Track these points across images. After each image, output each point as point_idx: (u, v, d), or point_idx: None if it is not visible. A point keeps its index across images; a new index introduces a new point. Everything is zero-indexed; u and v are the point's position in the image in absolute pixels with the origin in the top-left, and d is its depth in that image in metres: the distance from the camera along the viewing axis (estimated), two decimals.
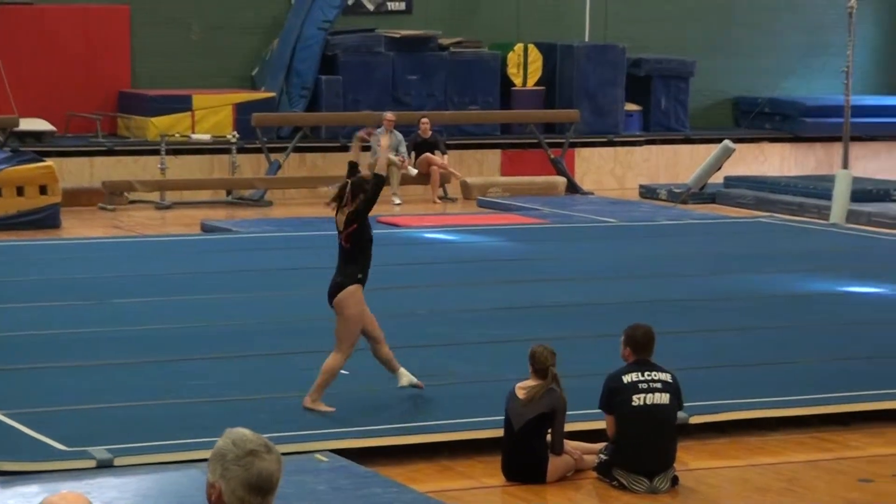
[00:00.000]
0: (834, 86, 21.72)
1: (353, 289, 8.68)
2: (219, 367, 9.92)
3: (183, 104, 20.37)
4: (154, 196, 19.07)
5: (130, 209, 18.75)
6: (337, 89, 21.05)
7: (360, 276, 8.73)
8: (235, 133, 19.93)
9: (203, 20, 21.53)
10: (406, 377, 8.95)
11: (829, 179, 18.70)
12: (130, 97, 20.87)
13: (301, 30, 21.15)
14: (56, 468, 7.67)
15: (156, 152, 19.45)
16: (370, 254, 8.81)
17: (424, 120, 19.81)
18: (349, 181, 8.81)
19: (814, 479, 8.01)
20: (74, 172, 19.25)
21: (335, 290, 8.74)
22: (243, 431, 3.36)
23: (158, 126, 19.98)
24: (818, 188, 19.28)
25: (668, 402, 7.81)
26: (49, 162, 17.60)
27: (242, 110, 20.29)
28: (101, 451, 7.84)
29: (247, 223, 17.17)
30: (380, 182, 8.80)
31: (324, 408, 8.72)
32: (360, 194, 8.67)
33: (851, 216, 17.82)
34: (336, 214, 8.85)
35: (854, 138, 20.64)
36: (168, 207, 18.84)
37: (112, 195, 18.73)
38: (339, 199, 8.72)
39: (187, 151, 20.04)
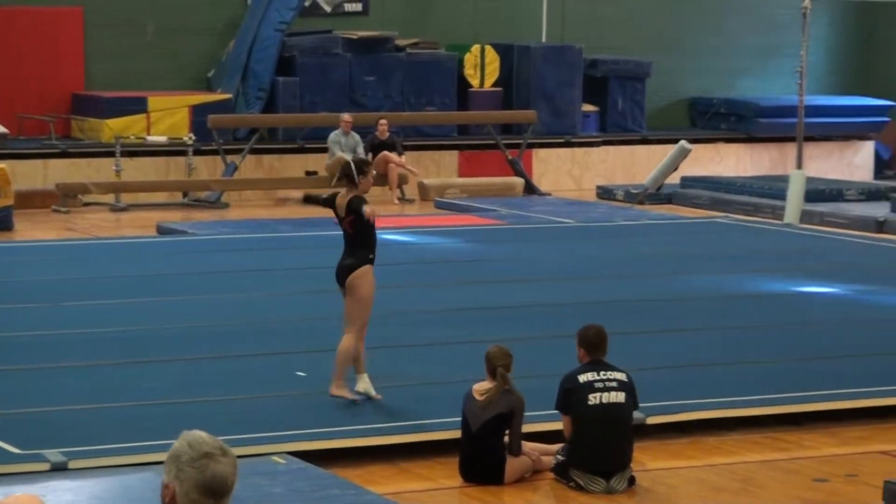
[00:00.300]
0: (789, 86, 21.87)
1: (366, 269, 8.84)
2: (174, 369, 9.87)
3: (138, 106, 20.26)
4: (109, 198, 18.96)
5: (85, 211, 18.63)
6: (294, 91, 21.00)
7: (370, 256, 8.91)
8: (191, 135, 19.85)
9: (158, 22, 21.42)
10: (365, 384, 8.93)
11: (784, 180, 18.83)
12: (84, 99, 20.74)
13: (257, 31, 21.08)
14: (10, 471, 7.60)
15: (110, 154, 19.34)
16: (375, 234, 8.95)
17: (383, 121, 19.79)
18: (350, 161, 8.98)
19: (769, 478, 8.05)
20: (27, 175, 19.10)
21: (347, 270, 8.84)
22: (199, 434, 3.34)
23: (113, 128, 19.87)
24: (773, 188, 19.41)
25: (623, 400, 7.83)
26: (2, 164, 17.45)
27: (198, 112, 20.20)
28: (55, 454, 7.78)
29: (203, 225, 17.10)
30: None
31: (349, 395, 8.75)
32: (360, 176, 8.80)
33: (805, 216, 17.95)
34: (336, 200, 8.92)
35: (808, 138, 20.78)
36: (123, 209, 18.74)
37: (66, 197, 18.60)
38: (346, 178, 8.79)
39: (142, 153, 19.95)
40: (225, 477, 3.28)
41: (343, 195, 8.87)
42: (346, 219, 8.85)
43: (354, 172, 8.79)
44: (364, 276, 8.82)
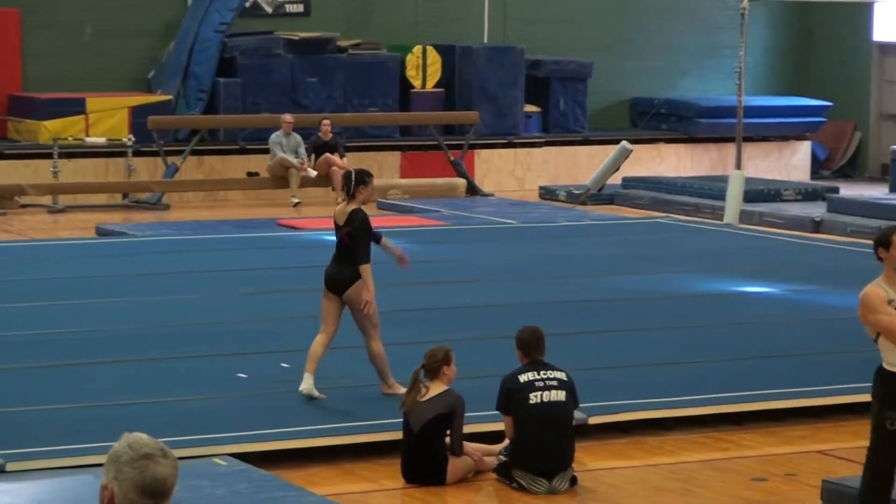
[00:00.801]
0: (728, 86, 22.04)
1: (361, 283, 8.89)
2: (114, 371, 9.80)
3: (76, 107, 20.08)
4: (46, 200, 18.79)
5: (22, 213, 18.45)
6: (235, 92, 20.91)
7: None
8: (131, 136, 19.71)
9: (97, 23, 21.24)
10: (308, 385, 8.91)
11: (724, 180, 18.98)
12: (21, 100, 20.53)
13: (197, 32, 20.96)
14: None
15: (48, 156, 19.16)
16: (369, 247, 8.97)
17: (326, 121, 19.75)
18: (352, 170, 9.12)
19: (709, 478, 8.10)
20: None
21: (345, 283, 8.89)
22: (140, 435, 3.32)
23: (51, 129, 19.68)
24: (713, 188, 19.56)
25: (564, 399, 7.85)
26: None
27: (138, 113, 20.06)
28: None
29: (143, 227, 16.98)
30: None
31: (400, 389, 8.75)
32: (360, 185, 8.87)
33: (744, 216, 18.10)
34: (336, 207, 9.06)
35: (747, 139, 20.96)
36: (61, 211, 18.57)
37: (2, 199, 18.41)
38: (345, 188, 8.97)
39: (81, 155, 19.78)
40: (165, 478, 3.26)
41: (344, 205, 8.90)
42: (343, 228, 8.89)
43: (353, 183, 8.84)
44: (362, 291, 8.88)
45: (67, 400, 8.96)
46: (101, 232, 16.63)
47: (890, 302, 6.47)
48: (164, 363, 10.04)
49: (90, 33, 21.21)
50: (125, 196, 19.42)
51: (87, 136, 19.96)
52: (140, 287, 12.86)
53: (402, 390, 8.71)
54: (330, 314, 8.99)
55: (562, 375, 7.92)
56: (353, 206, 8.93)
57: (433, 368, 7.90)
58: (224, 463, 7.75)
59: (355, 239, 8.89)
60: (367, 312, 8.87)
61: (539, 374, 7.86)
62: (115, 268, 13.94)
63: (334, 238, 9.11)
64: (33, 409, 8.75)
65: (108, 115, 20.21)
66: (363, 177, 8.96)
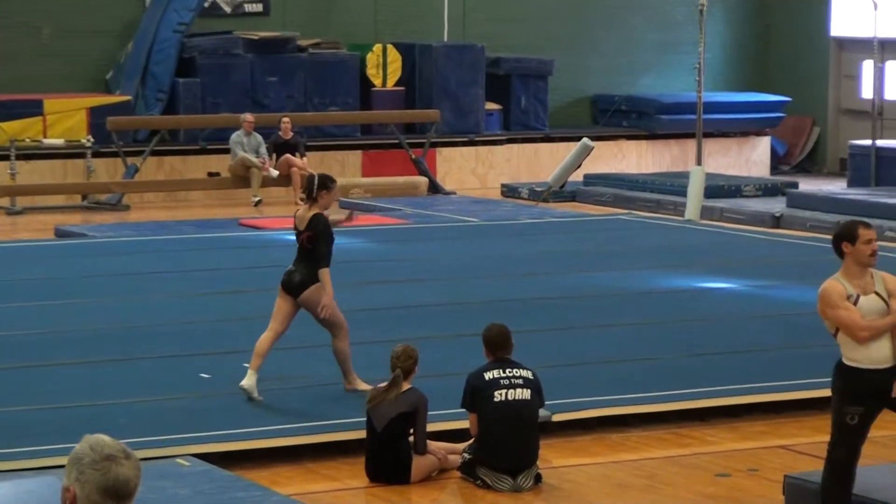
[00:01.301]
0: (688, 83, 22.15)
1: (318, 286, 8.89)
2: (75, 372, 9.74)
3: (33, 109, 19.95)
4: (4, 202, 18.66)
5: None
6: (195, 92, 20.83)
7: None
8: (90, 137, 19.60)
9: (54, 23, 21.11)
10: (250, 383, 8.88)
11: (685, 176, 19.06)
12: None
13: (156, 32, 20.87)
14: None
15: (5, 157, 19.04)
16: (331, 252, 8.94)
17: (286, 119, 19.72)
18: (315, 175, 9.08)
19: (673, 474, 8.12)
20: None
21: (299, 287, 8.88)
22: (102, 437, 3.32)
23: (8, 131, 19.54)
24: (674, 185, 19.63)
25: (529, 397, 7.87)
26: None
27: (97, 114, 19.95)
28: None
29: (103, 228, 16.90)
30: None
31: (364, 385, 8.74)
32: (322, 191, 8.86)
33: (705, 212, 18.19)
34: (297, 211, 9.04)
35: (707, 135, 21.06)
36: (19, 213, 18.46)
37: None
38: (307, 192, 8.98)
39: (39, 156, 19.65)
40: (127, 479, 3.25)
41: (305, 209, 8.89)
42: (304, 233, 8.88)
43: (315, 187, 8.83)
44: (319, 289, 8.87)
45: (28, 401, 8.90)
46: (60, 233, 16.53)
47: (849, 297, 6.51)
48: (126, 364, 9.99)
49: (48, 34, 21.08)
50: (84, 197, 19.31)
51: (45, 137, 19.83)
52: (100, 288, 12.79)
53: (364, 386, 8.72)
54: (280, 314, 8.98)
55: (527, 374, 7.93)
56: (314, 211, 8.91)
57: (409, 369, 7.90)
58: (187, 463, 7.73)
59: (317, 244, 8.87)
60: (324, 317, 8.86)
61: (504, 372, 7.87)
62: (74, 269, 13.86)
63: (295, 240, 9.11)
64: None
65: (66, 117, 20.09)
66: (326, 182, 8.95)
